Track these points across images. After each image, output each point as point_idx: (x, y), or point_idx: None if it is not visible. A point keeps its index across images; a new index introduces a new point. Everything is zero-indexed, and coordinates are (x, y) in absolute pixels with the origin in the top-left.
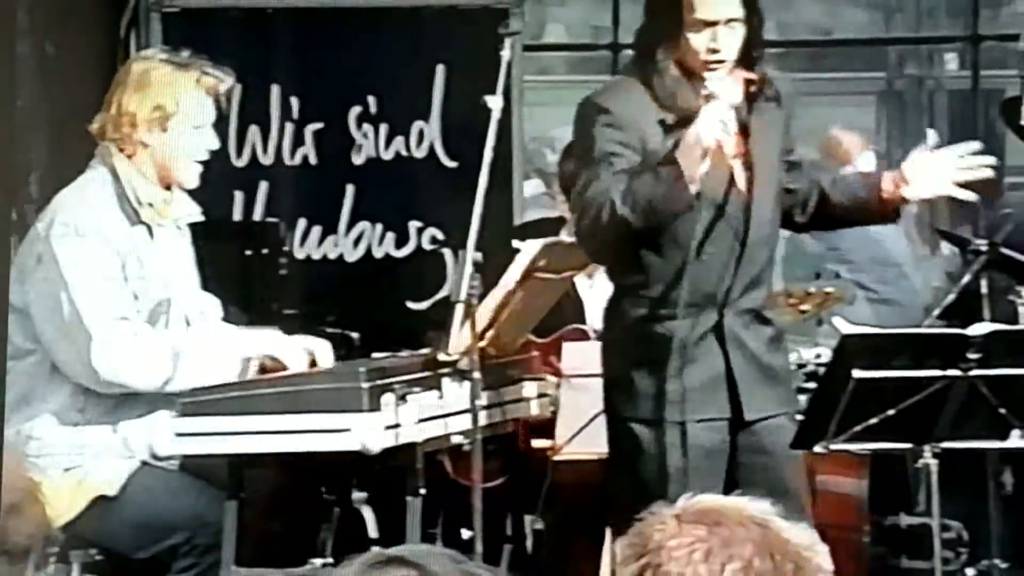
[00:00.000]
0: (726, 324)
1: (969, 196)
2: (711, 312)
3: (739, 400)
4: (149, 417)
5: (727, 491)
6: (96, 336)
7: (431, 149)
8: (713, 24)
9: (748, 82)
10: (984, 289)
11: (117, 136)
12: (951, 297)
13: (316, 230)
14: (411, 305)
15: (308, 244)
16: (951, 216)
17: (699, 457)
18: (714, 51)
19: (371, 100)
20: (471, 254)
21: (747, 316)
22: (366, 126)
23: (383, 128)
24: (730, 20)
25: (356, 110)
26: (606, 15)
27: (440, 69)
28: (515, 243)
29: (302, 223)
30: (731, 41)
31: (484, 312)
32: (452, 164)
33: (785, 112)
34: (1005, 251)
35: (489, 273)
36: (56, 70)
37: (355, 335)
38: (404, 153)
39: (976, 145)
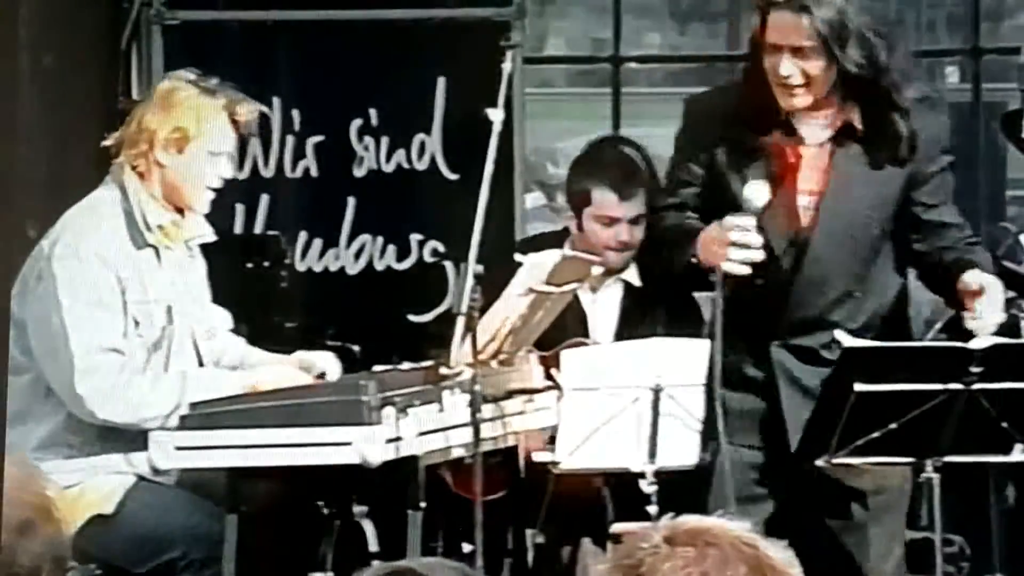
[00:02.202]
0: (775, 357)
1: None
2: (758, 343)
3: (786, 433)
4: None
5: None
6: (79, 364)
7: (432, 161)
8: (780, 49)
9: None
10: None
11: (133, 152)
12: (953, 311)
13: (317, 243)
14: (412, 318)
15: (309, 257)
16: None
17: (741, 482)
18: (785, 77)
19: (372, 112)
20: (472, 267)
21: (803, 353)
22: (367, 138)
23: (384, 140)
24: (796, 48)
25: (357, 122)
26: (607, 28)
27: (441, 82)
28: (517, 256)
29: (303, 236)
30: (802, 70)
31: (486, 325)
32: (453, 176)
33: (909, 168)
34: (1006, 264)
35: (490, 286)
36: (56, 83)
37: (356, 348)
38: (405, 165)
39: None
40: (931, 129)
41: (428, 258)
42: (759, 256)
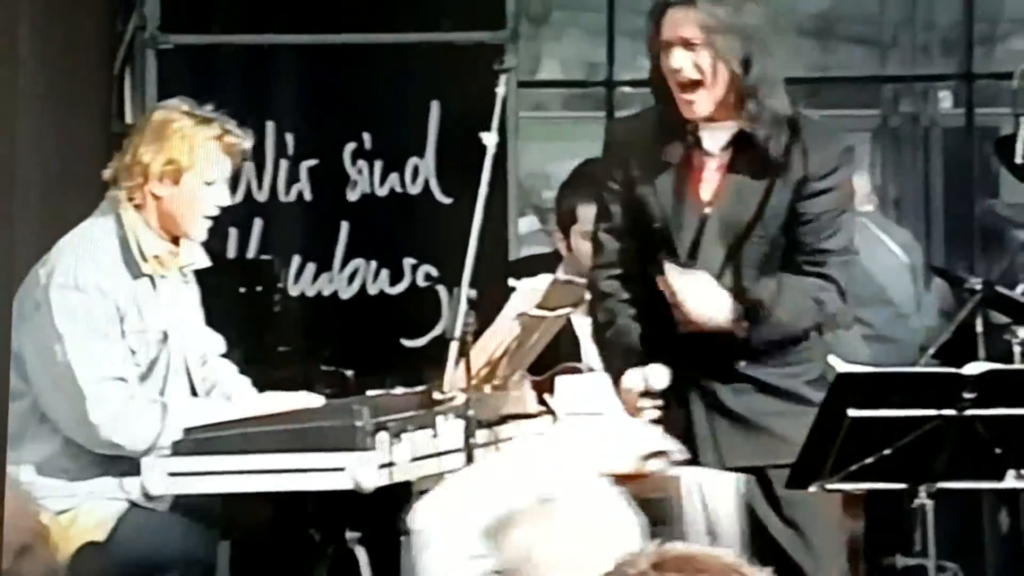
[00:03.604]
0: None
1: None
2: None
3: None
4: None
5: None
6: (89, 393)
7: (426, 185)
8: (671, 44)
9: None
10: (979, 328)
11: (129, 184)
12: (946, 336)
13: (310, 267)
14: (406, 342)
15: (302, 281)
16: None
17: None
18: (677, 70)
19: (366, 136)
20: (466, 291)
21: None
22: (361, 162)
23: (378, 164)
24: (686, 41)
25: (351, 146)
26: (601, 51)
27: (435, 105)
28: (510, 280)
29: (296, 260)
30: (694, 63)
31: (479, 350)
32: (447, 200)
33: (798, 182)
34: (1000, 289)
35: (484, 310)
36: (51, 106)
37: (349, 372)
38: (399, 189)
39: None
40: (821, 145)
41: (421, 282)
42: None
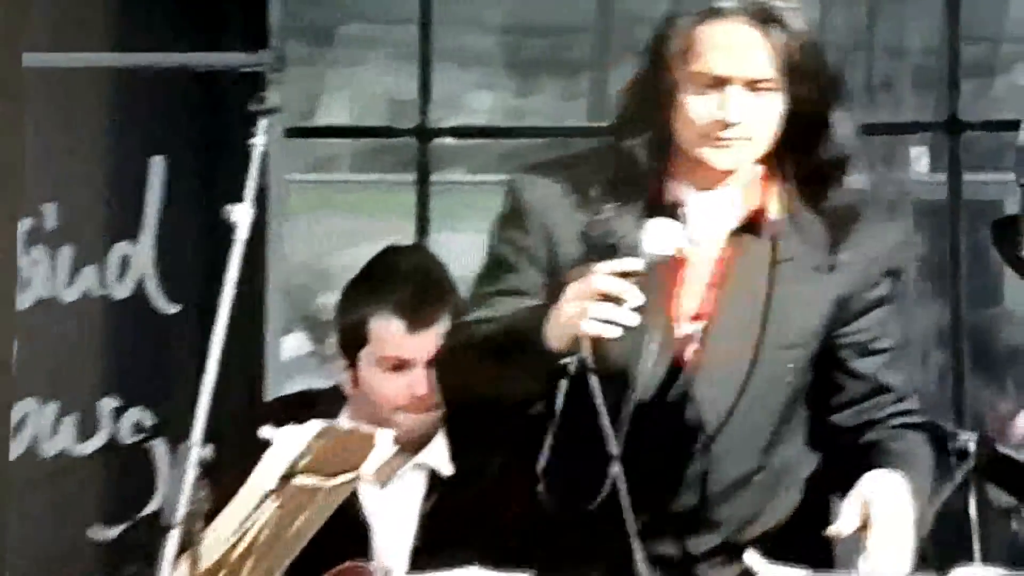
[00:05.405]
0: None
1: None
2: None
3: None
4: None
5: None
6: None
7: (140, 285)
8: (723, 82)
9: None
10: (973, 511)
11: None
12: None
13: None
14: (97, 532)
15: None
16: None
17: None
18: (728, 125)
19: (48, 209)
20: (196, 449)
21: (676, 568)
22: (37, 250)
23: (65, 252)
24: (752, 81)
25: (25, 224)
26: (410, 85)
27: (157, 163)
28: (265, 431)
29: None
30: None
31: (213, 540)
32: (172, 309)
33: (840, 291)
34: (1004, 450)
35: (223, 478)
36: None
37: None
38: (97, 292)
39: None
40: (880, 237)
41: (127, 436)
42: (633, 320)
